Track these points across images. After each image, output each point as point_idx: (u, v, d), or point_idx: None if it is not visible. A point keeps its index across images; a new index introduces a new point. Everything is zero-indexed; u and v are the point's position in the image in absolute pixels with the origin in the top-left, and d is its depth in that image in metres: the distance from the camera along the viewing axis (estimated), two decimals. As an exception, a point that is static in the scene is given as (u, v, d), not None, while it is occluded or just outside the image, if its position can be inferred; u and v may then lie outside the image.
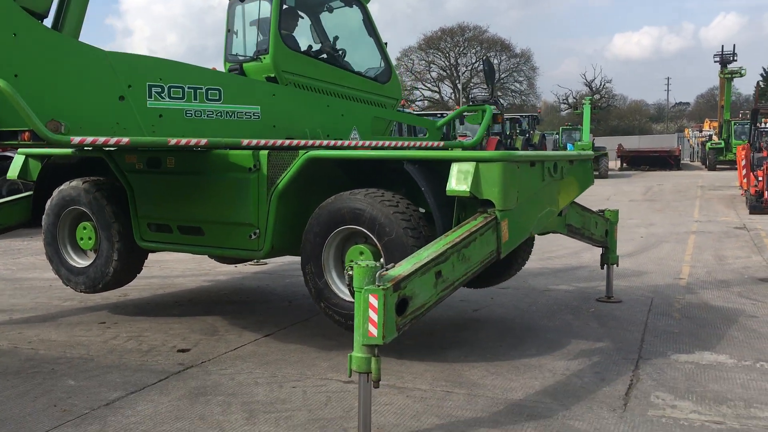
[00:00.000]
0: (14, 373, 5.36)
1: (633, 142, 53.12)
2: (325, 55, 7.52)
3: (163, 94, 5.75)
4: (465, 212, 5.32)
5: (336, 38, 7.72)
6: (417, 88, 67.43)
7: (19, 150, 7.47)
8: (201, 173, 6.22)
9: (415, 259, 4.43)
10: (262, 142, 6.04)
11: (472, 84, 66.29)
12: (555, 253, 11.11)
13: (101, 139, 5.18)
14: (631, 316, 7.21)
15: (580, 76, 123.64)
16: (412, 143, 7.35)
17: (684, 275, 9.56)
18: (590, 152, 6.88)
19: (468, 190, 5.08)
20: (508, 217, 5.19)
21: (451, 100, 60.91)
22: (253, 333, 6.48)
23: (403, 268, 4.25)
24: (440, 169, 5.29)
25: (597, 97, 70.70)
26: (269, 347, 6.04)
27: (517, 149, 33.82)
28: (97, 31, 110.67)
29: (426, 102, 65.92)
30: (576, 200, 6.73)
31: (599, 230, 7.61)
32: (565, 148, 30.03)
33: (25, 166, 7.44)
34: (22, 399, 4.80)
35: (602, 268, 8.06)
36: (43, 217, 7.23)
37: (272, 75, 6.98)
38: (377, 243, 5.38)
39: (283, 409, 4.61)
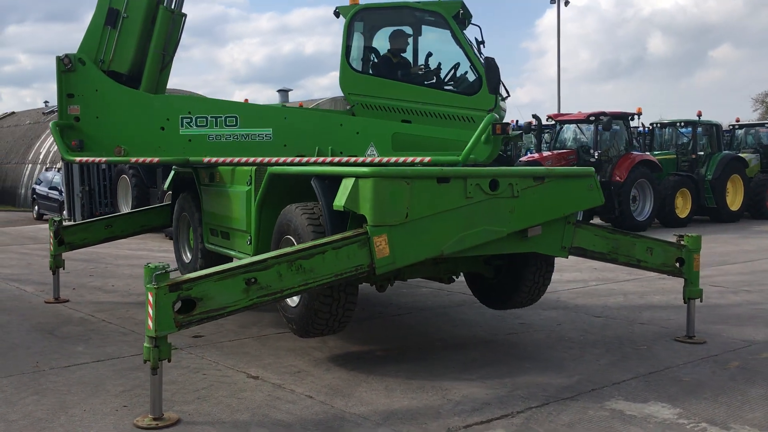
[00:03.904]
0: (57, 335, 6.98)
1: None
2: (398, 74, 7.93)
3: (191, 123, 7.27)
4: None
5: (429, 54, 8.03)
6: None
7: (173, 167, 9.30)
8: (228, 186, 7.23)
9: (228, 265, 4.86)
10: (250, 159, 6.91)
11: None
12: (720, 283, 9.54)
13: (98, 159, 6.89)
14: (674, 359, 6.22)
15: None
16: (413, 159, 7.20)
17: None
18: (585, 169, 6.07)
19: (342, 204, 5.23)
20: (388, 233, 5.18)
21: None
22: (259, 329, 7.22)
23: (200, 272, 4.74)
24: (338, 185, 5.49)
25: None
26: (252, 346, 6.70)
27: None
28: (511, 54, 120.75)
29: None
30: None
31: (658, 258, 6.66)
32: None
33: (172, 179, 9.24)
34: (27, 353, 6.32)
35: (684, 302, 6.97)
36: (172, 220, 8.96)
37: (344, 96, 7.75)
38: (299, 252, 5.78)
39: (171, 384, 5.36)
